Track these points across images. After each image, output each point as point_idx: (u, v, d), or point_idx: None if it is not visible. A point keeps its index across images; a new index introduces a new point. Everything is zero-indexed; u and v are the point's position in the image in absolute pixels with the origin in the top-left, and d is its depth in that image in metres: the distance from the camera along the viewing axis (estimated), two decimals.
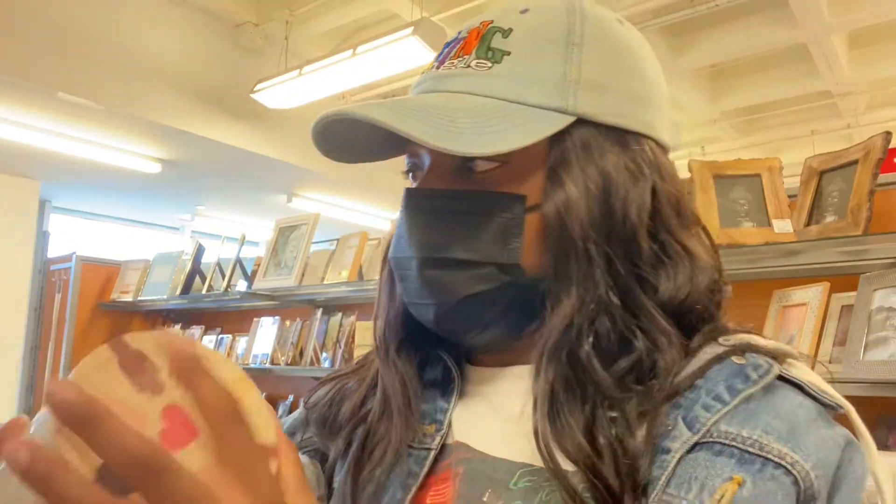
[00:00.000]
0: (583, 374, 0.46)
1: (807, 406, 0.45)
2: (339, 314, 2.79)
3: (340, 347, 2.66)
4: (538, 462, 0.46)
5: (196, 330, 3.51)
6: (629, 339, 0.47)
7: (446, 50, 0.53)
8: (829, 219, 1.68)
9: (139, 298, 3.64)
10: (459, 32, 0.53)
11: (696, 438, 0.43)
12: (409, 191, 0.52)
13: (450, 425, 0.53)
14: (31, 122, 4.39)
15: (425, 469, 0.51)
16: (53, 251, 5.58)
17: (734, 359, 0.46)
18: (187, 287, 3.41)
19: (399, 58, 3.95)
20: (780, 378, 0.46)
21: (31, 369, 4.88)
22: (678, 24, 4.78)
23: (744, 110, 6.30)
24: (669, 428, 0.44)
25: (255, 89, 4.51)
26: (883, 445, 1.61)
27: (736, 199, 1.80)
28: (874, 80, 5.56)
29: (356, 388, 0.59)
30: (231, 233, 4.93)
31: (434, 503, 0.50)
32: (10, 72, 3.72)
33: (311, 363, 2.76)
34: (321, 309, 2.86)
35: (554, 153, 0.49)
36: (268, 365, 2.92)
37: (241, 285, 3.09)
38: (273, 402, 3.11)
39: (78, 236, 6.49)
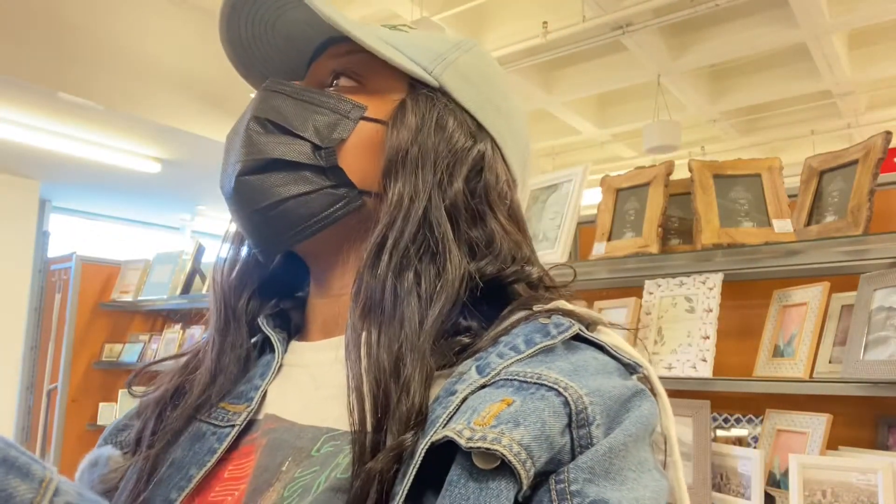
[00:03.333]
0: (400, 313, 0.46)
1: (603, 360, 0.45)
2: None
3: None
4: (344, 426, 0.46)
5: (196, 330, 3.51)
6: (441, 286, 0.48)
7: None
8: (829, 219, 1.68)
9: (139, 298, 3.64)
10: None
11: (483, 381, 0.42)
12: (266, 83, 0.55)
13: (262, 400, 0.53)
14: (31, 122, 4.39)
15: (225, 445, 0.50)
16: (53, 251, 5.58)
17: (541, 319, 0.47)
18: (187, 287, 3.41)
19: None
20: (586, 341, 0.47)
21: (31, 369, 4.88)
22: (678, 24, 4.78)
23: (744, 110, 6.30)
24: (463, 373, 0.44)
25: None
26: (883, 445, 1.61)
27: (736, 199, 1.80)
28: (874, 80, 5.56)
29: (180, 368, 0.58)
30: None
31: (232, 477, 0.49)
32: (10, 72, 3.72)
33: None
34: None
35: (412, 96, 0.54)
36: None
37: None
38: None
39: (78, 236, 6.49)
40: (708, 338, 1.75)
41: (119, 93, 4.18)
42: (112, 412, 3.68)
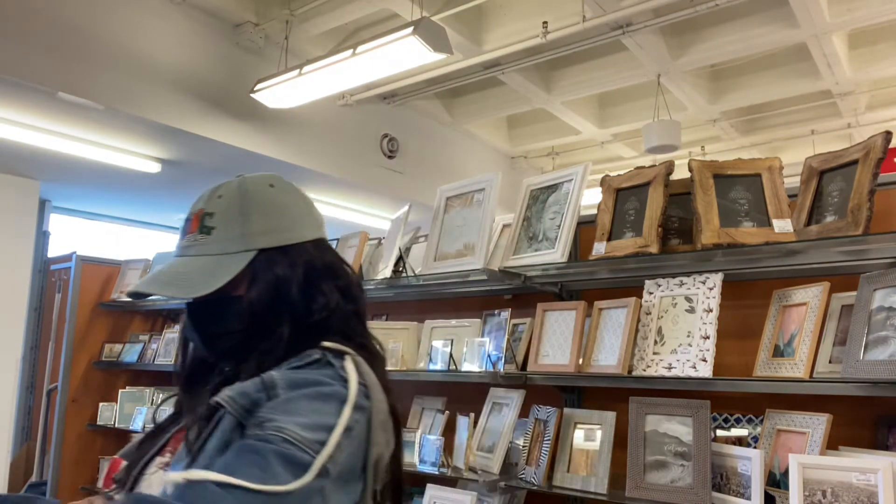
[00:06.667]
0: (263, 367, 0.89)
1: (322, 370, 0.88)
2: None
3: None
4: None
5: None
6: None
7: (186, 226, 0.96)
8: (829, 218, 1.67)
9: None
10: (189, 214, 0.97)
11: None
12: (188, 304, 0.96)
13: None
14: (31, 122, 4.38)
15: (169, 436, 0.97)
16: (53, 251, 5.57)
17: (309, 352, 0.91)
18: None
19: (399, 57, 3.95)
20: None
21: (31, 369, 4.88)
22: (678, 24, 4.78)
23: (744, 110, 6.30)
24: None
25: (255, 89, 4.50)
26: (883, 445, 1.61)
27: (736, 199, 1.80)
28: (874, 80, 5.56)
29: None
30: None
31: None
32: (10, 72, 3.71)
33: None
34: None
35: (250, 270, 0.93)
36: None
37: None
38: None
39: (78, 236, 6.48)
40: (708, 338, 1.75)
41: (119, 93, 4.18)
42: (112, 412, 3.68)
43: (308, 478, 0.74)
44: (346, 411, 0.82)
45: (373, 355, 0.95)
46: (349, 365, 0.87)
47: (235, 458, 0.74)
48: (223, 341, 0.94)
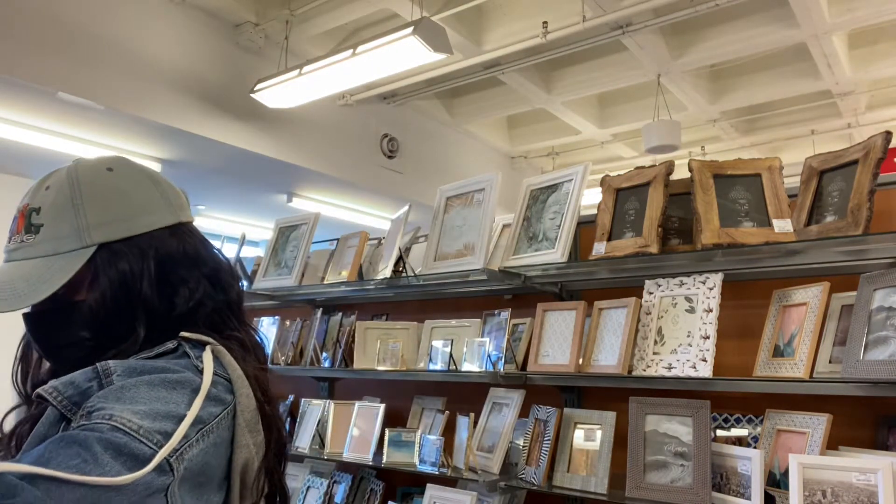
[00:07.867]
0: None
1: (175, 361, 0.78)
2: (339, 314, 2.78)
3: (340, 347, 2.66)
4: None
5: None
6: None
7: (13, 226, 0.84)
8: (829, 218, 1.67)
9: None
10: (16, 212, 0.85)
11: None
12: (24, 314, 0.84)
13: None
14: (31, 122, 4.38)
15: None
16: None
17: (169, 344, 0.81)
18: None
19: (399, 57, 3.95)
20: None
21: None
22: (678, 24, 4.78)
23: (744, 110, 6.30)
24: None
25: (254, 89, 4.51)
26: (883, 445, 1.61)
27: (736, 199, 1.80)
28: (874, 80, 5.56)
29: None
30: (231, 233, 4.92)
31: None
32: (10, 72, 3.71)
33: (312, 363, 2.75)
34: (321, 309, 2.86)
35: (91, 269, 0.80)
36: (267, 365, 2.90)
37: (242, 285, 3.08)
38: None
39: None
40: (708, 338, 1.75)
41: (119, 93, 4.18)
42: None
43: (144, 471, 0.62)
44: (198, 401, 0.71)
45: (246, 349, 0.86)
46: (207, 355, 0.77)
47: (50, 449, 0.61)
48: (70, 352, 0.81)
